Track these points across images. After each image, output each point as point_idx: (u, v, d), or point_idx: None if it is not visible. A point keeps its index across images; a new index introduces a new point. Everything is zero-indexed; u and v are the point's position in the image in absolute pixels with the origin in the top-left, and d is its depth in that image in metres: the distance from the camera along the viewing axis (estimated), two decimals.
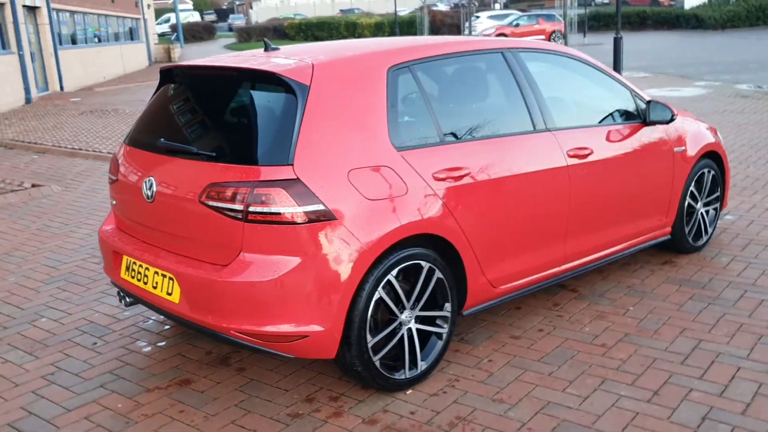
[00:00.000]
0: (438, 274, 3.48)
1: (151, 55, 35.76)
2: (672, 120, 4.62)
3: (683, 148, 4.86)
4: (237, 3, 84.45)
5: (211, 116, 3.50)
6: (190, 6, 74.20)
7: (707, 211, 5.32)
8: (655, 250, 5.26)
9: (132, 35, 33.71)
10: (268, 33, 43.49)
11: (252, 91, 3.38)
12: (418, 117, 3.57)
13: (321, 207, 3.07)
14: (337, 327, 3.14)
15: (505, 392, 3.42)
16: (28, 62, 18.80)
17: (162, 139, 3.49)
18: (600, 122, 4.52)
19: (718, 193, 5.34)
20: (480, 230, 3.64)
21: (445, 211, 3.46)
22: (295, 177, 3.06)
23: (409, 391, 3.46)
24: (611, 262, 4.95)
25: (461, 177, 3.54)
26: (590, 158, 4.17)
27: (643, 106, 4.66)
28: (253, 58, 3.58)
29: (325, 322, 3.11)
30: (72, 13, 24.60)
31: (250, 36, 43.06)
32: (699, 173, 5.07)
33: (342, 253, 3.11)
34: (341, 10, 63.15)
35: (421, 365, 3.49)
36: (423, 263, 3.41)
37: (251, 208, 3.03)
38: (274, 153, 3.10)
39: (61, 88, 21.58)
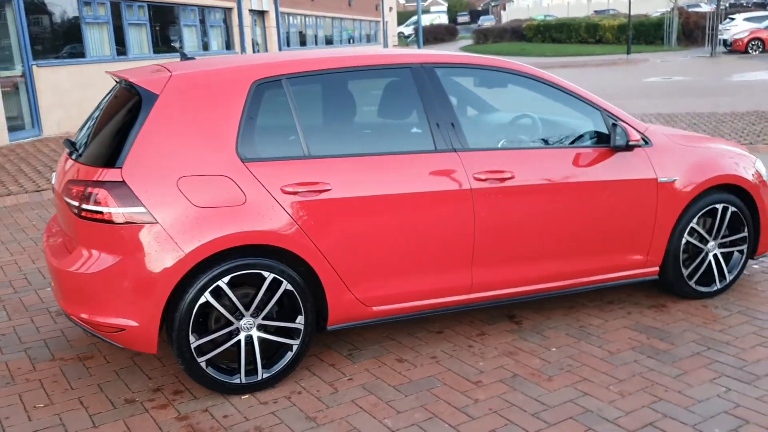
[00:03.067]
0: (286, 285, 3.52)
1: None
2: (628, 147, 4.09)
3: (673, 178, 4.28)
4: (492, 4, 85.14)
5: (96, 120, 3.85)
6: (443, 8, 76.40)
7: (729, 254, 4.62)
8: (659, 292, 4.70)
9: (369, 38, 35.74)
10: (506, 35, 43.47)
11: (124, 99, 3.67)
12: (280, 131, 3.61)
13: (142, 210, 3.29)
14: (152, 324, 3.34)
15: (326, 412, 3.37)
16: None
17: (67, 139, 3.92)
18: (549, 144, 4.16)
19: (745, 233, 4.60)
20: (344, 247, 3.60)
21: (293, 224, 3.48)
22: (121, 180, 3.30)
23: (245, 396, 3.55)
24: (584, 293, 4.56)
25: (319, 192, 3.53)
26: (510, 183, 3.88)
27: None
28: (143, 68, 3.86)
29: (140, 319, 3.33)
30: (304, 16, 26.77)
31: (486, 38, 43.37)
32: (707, 209, 4.42)
33: (159, 255, 3.29)
34: (595, 11, 60.96)
35: (262, 373, 3.56)
36: (265, 273, 3.47)
37: (83, 206, 3.34)
38: (109, 156, 3.37)
39: None
